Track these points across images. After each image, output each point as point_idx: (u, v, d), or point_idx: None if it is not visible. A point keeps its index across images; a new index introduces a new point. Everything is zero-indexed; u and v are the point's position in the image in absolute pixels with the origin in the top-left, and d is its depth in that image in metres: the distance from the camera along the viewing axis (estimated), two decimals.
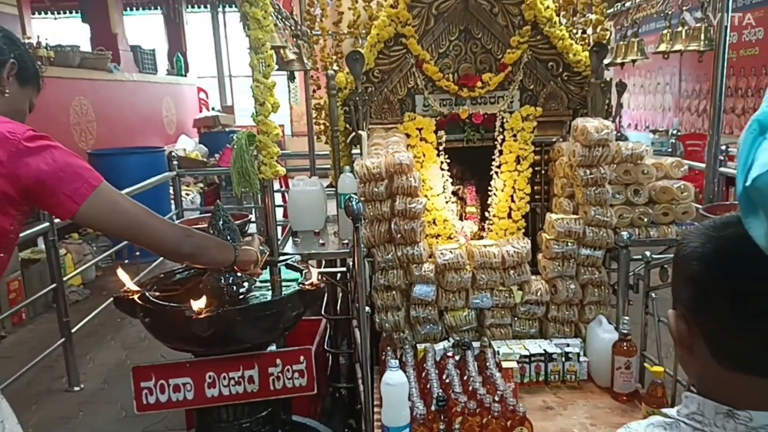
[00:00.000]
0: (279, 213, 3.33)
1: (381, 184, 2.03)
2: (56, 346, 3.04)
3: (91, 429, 2.72)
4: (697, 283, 0.69)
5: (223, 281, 1.64)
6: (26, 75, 1.34)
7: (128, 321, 3.97)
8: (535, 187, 2.50)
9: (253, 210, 4.33)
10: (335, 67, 2.90)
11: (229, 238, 1.63)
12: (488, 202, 2.52)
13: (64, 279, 3.20)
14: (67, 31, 9.36)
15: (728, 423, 0.66)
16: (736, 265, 0.65)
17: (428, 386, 1.82)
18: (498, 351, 2.01)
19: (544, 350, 2.02)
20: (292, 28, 2.63)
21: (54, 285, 3.01)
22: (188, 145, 7.57)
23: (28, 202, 1.20)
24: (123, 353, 3.46)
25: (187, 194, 6.05)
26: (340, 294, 2.72)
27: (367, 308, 1.71)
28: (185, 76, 9.09)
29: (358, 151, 2.37)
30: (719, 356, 0.68)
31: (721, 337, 0.68)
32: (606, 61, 2.58)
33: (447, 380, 1.85)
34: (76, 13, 8.58)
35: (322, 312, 2.65)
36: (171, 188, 4.90)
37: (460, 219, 2.57)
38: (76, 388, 3.08)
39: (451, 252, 2.09)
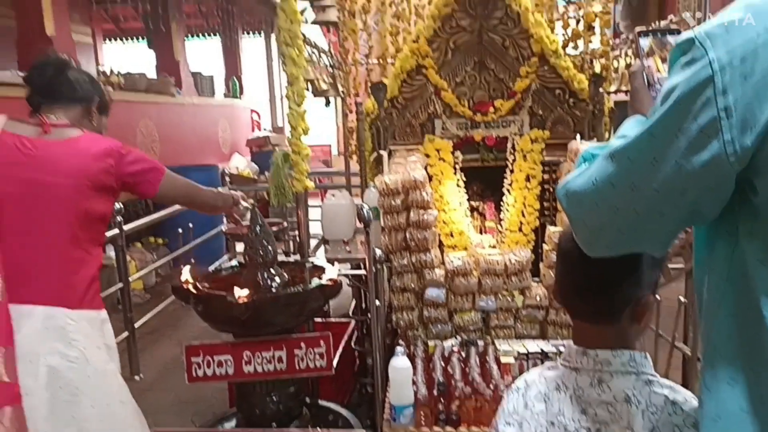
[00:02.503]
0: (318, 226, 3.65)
1: (398, 197, 2.33)
2: (121, 339, 3.46)
3: (148, 412, 3.09)
4: (557, 261, 0.99)
5: (259, 276, 1.97)
6: (103, 106, 1.81)
7: (183, 322, 4.40)
8: (545, 204, 2.74)
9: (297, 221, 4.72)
10: (366, 93, 3.24)
11: (265, 242, 1.99)
12: (501, 216, 2.77)
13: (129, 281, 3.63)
14: (134, 56, 10.17)
15: (584, 359, 0.95)
16: (564, 248, 0.95)
17: (433, 375, 2.09)
18: (499, 349, 2.26)
19: (541, 349, 2.25)
20: (328, 60, 2.99)
21: (121, 285, 3.45)
22: (240, 164, 8.08)
23: (121, 191, 1.70)
24: (178, 350, 3.82)
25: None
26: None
27: (377, 302, 2.00)
28: (240, 98, 9.69)
29: None
30: (570, 310, 0.97)
31: (566, 296, 0.97)
32: (612, 88, 2.82)
33: (450, 371, 2.11)
34: (143, 39, 9.33)
35: (350, 313, 2.95)
36: None
37: (480, 233, 2.84)
38: (137, 378, 3.49)
39: (459, 259, 2.36)
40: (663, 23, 2.38)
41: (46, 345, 1.51)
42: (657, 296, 0.98)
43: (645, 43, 0.92)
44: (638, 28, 1.00)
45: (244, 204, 2.08)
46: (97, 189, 1.63)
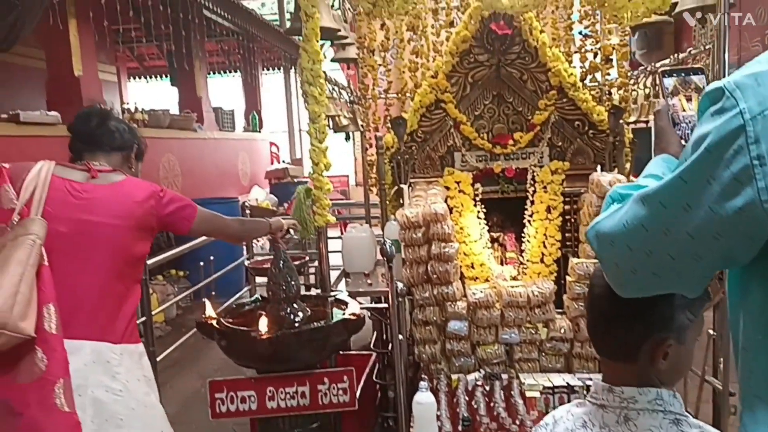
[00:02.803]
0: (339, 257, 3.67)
1: (419, 231, 2.34)
2: None
3: None
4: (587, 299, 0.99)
5: (282, 312, 1.98)
6: (141, 153, 1.90)
7: (204, 354, 4.40)
8: (566, 234, 2.73)
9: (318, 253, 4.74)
10: (386, 127, 3.28)
11: (288, 277, 2.00)
12: (522, 248, 2.76)
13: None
14: (157, 93, 10.45)
15: (610, 396, 0.94)
16: (590, 282, 0.96)
17: (457, 410, 2.06)
18: (524, 382, 2.23)
19: (567, 383, 2.21)
20: (348, 96, 3.05)
21: (144, 318, 3.47)
22: (260, 195, 8.18)
23: (158, 230, 1.77)
24: (200, 382, 3.85)
25: (257, 240, 6.56)
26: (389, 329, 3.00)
27: (400, 336, 1.99)
28: (259, 132, 9.87)
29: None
30: (593, 346, 0.98)
31: (591, 334, 0.98)
32: (631, 119, 2.82)
33: (475, 405, 2.08)
34: (166, 77, 9.59)
35: (372, 346, 2.94)
36: None
37: (501, 264, 2.83)
38: None
39: (481, 291, 2.35)
40: (682, 55, 2.39)
41: (92, 378, 1.57)
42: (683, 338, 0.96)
43: (669, 82, 0.93)
44: (661, 68, 1.01)
45: (291, 233, 2.15)
46: (141, 230, 1.72)
